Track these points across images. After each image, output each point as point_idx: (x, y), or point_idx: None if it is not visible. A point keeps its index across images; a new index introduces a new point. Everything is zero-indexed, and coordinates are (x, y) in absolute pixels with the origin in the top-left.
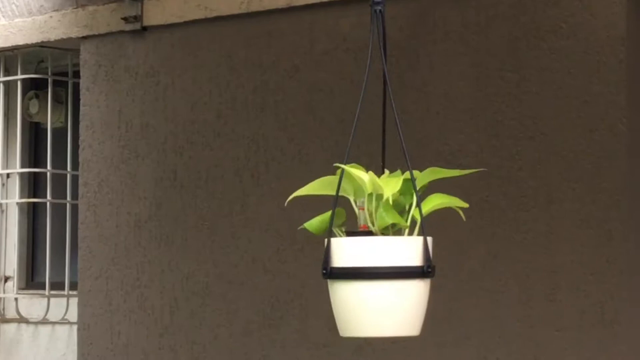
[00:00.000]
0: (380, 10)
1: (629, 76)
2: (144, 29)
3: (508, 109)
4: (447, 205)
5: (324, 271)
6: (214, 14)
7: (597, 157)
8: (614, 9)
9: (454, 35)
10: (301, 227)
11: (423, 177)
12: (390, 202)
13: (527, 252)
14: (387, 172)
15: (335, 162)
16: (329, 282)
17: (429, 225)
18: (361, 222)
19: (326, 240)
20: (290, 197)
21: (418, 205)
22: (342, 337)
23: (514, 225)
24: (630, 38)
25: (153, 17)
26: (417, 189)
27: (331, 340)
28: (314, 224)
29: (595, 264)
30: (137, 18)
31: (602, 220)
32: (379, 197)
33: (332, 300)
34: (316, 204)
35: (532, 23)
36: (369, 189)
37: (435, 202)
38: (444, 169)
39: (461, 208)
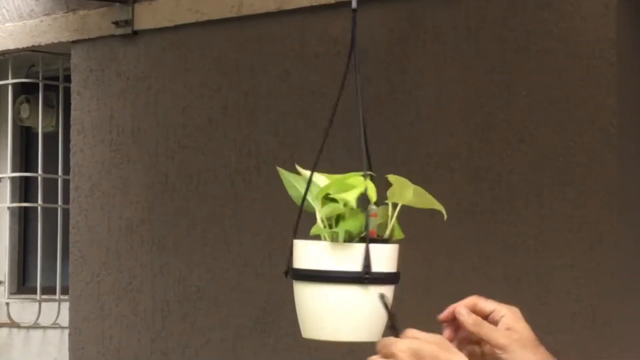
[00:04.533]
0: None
1: (619, 79)
2: (135, 33)
3: (498, 112)
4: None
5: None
6: (205, 18)
7: (587, 160)
8: (604, 12)
9: (444, 38)
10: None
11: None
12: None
13: (517, 255)
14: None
15: (326, 166)
16: (294, 283)
17: (418, 229)
18: (370, 228)
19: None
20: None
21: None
22: (333, 342)
23: (504, 228)
24: (621, 41)
25: (144, 21)
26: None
27: (322, 344)
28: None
29: (586, 266)
30: (128, 22)
31: (592, 223)
32: (395, 205)
33: (295, 301)
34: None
35: (522, 26)
36: (373, 198)
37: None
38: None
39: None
